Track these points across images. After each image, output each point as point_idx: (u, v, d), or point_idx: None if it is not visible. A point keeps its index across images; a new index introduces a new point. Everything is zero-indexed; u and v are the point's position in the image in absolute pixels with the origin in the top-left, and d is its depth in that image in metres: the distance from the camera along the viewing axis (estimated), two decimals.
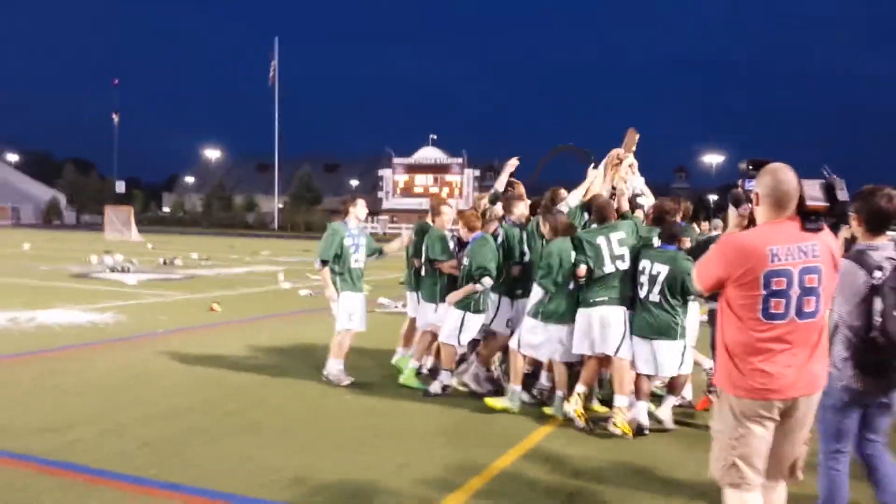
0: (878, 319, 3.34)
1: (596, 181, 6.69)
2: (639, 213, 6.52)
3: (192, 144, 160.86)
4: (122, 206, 50.35)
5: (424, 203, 69.70)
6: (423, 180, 73.01)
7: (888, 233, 3.61)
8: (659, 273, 5.72)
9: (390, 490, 4.54)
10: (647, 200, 6.90)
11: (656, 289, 5.72)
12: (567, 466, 5.12)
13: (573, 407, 5.97)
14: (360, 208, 7.47)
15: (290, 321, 11.59)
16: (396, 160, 73.90)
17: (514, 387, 6.36)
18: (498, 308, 6.89)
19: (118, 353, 8.58)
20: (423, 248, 7.24)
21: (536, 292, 6.21)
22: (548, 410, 6.27)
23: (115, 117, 79.79)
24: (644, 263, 5.84)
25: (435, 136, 75.98)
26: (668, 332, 5.76)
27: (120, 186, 65.17)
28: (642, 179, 7.09)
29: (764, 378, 3.08)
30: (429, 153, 74.67)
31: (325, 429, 5.82)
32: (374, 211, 73.48)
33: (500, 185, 7.26)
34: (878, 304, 3.34)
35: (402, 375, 7.26)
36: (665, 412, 6.02)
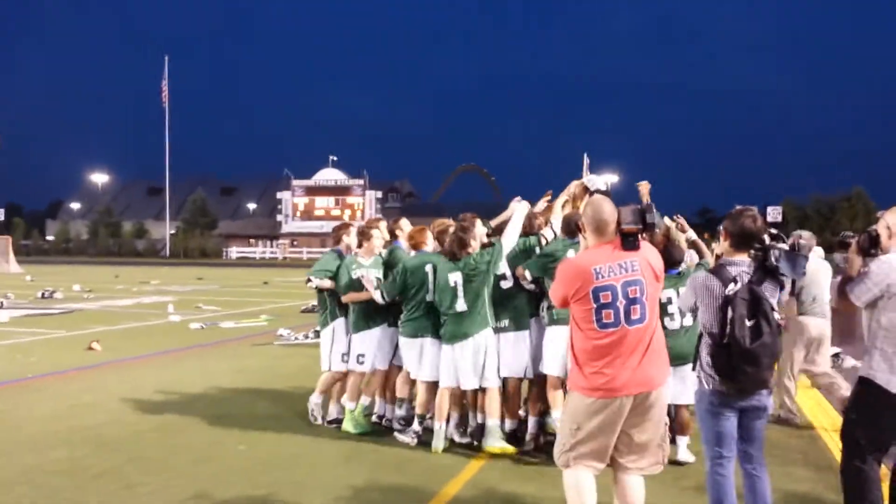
0: (729, 327, 3.60)
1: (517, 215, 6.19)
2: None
3: (77, 168, 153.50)
4: None
5: (326, 226, 68.83)
6: (323, 202, 71.65)
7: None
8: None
9: None
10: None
11: (689, 314, 5.34)
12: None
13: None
14: (352, 237, 6.89)
15: (180, 359, 10.67)
16: (296, 182, 72.32)
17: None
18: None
19: None
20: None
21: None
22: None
23: None
24: (670, 293, 5.45)
25: (335, 158, 75.01)
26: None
27: None
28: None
29: (603, 379, 3.60)
30: (329, 174, 73.47)
31: (211, 486, 5.09)
32: (274, 235, 71.82)
33: (495, 221, 6.48)
34: (730, 312, 3.60)
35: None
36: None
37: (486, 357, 5.77)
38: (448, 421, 6.00)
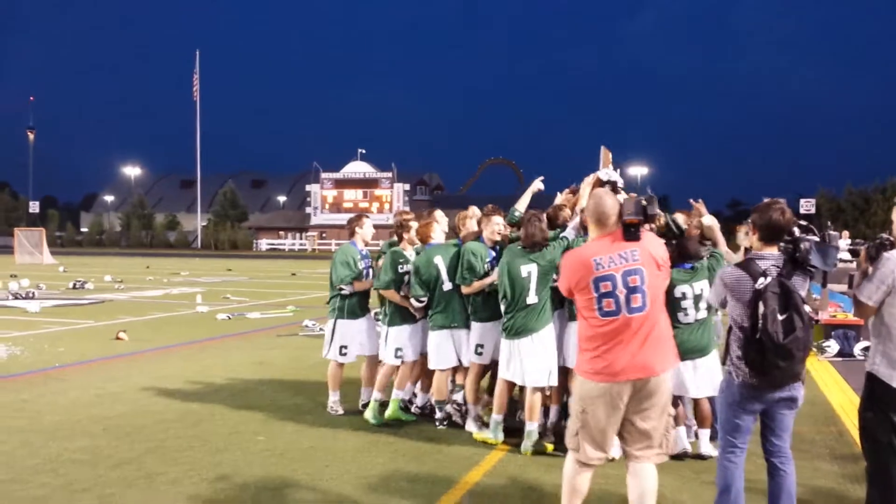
0: (761, 322, 3.56)
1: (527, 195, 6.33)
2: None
3: (111, 162, 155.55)
4: (33, 227, 47.90)
5: None
6: (352, 195, 71.77)
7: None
8: (702, 290, 5.29)
9: None
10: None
11: (702, 305, 5.30)
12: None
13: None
14: (367, 228, 6.88)
15: (205, 349, 10.74)
16: (324, 175, 72.54)
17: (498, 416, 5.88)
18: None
19: (1, 391, 7.64)
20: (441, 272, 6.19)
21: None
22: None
23: (31, 135, 76.36)
24: (684, 289, 5.32)
25: (364, 151, 75.14)
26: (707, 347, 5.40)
27: (34, 206, 62.15)
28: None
29: (603, 363, 3.69)
30: (357, 167, 73.62)
31: (229, 477, 5.09)
32: (303, 227, 72.20)
33: (521, 205, 6.36)
34: (761, 307, 3.57)
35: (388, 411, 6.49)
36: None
37: (548, 354, 5.62)
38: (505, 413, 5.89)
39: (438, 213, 6.66)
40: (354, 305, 6.70)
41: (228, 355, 10.08)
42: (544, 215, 5.85)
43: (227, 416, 6.69)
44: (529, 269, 5.57)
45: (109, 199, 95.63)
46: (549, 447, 5.62)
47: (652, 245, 3.82)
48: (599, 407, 3.73)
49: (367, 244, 6.91)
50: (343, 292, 6.63)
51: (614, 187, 6.08)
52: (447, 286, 6.13)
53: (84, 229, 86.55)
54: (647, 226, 3.88)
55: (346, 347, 6.68)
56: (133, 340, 11.15)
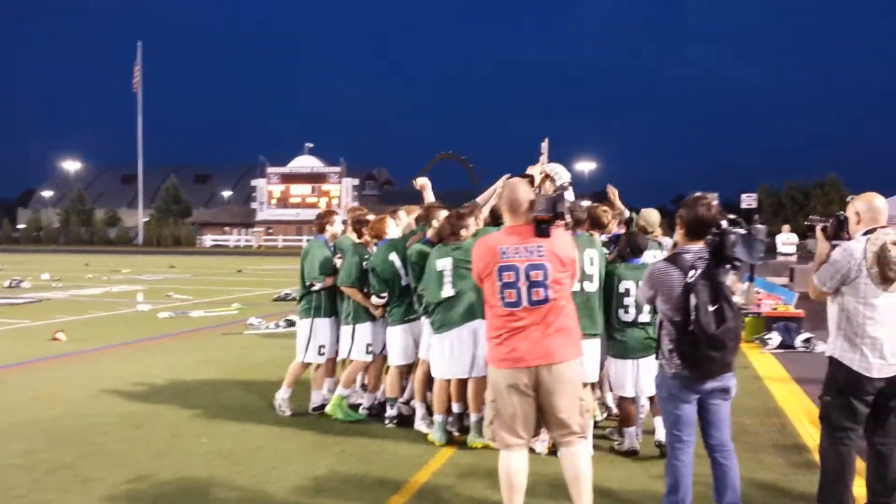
0: (693, 314, 3.60)
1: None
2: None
3: (50, 156, 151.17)
4: None
5: (302, 213, 68.26)
6: (299, 190, 70.87)
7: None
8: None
9: None
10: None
11: (646, 308, 5.26)
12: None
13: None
14: (337, 225, 6.75)
15: (146, 349, 10.45)
16: (271, 169, 71.47)
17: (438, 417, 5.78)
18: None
19: None
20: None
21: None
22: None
23: None
24: (628, 284, 5.31)
25: (311, 145, 74.24)
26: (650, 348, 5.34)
27: None
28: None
29: (506, 349, 3.82)
30: (305, 162, 72.72)
31: (170, 481, 4.95)
32: (248, 223, 71.11)
33: (480, 198, 6.25)
34: (692, 299, 3.61)
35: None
36: None
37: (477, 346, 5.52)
38: (449, 412, 5.79)
39: (402, 213, 6.61)
40: (328, 303, 6.56)
41: (170, 355, 9.83)
42: (473, 210, 5.83)
43: (170, 418, 6.51)
44: (444, 263, 5.59)
45: (48, 194, 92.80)
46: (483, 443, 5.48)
47: (560, 244, 3.90)
48: (507, 394, 3.84)
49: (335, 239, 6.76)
50: (314, 289, 6.48)
51: (548, 179, 6.15)
52: (405, 280, 6.08)
53: (21, 226, 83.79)
54: (559, 223, 3.94)
55: (323, 347, 6.54)
56: (71, 340, 10.80)
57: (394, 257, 6.09)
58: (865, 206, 3.99)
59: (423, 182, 6.52)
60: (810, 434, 5.86)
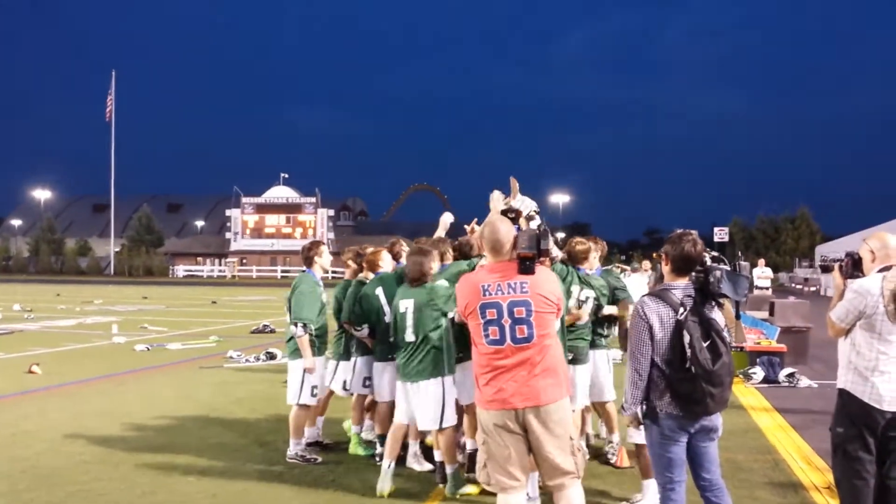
0: (689, 351, 3.56)
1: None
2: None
3: (19, 184, 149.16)
4: None
5: (277, 244, 67.97)
6: (274, 220, 70.56)
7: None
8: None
9: None
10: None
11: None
12: None
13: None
14: (325, 257, 6.42)
15: (124, 383, 10.23)
16: (246, 199, 71.19)
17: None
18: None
19: None
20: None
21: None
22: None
23: None
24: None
25: (286, 175, 74.12)
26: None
27: None
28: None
29: (493, 390, 3.73)
30: (280, 192, 72.54)
31: None
32: (222, 253, 70.53)
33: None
34: (686, 337, 3.58)
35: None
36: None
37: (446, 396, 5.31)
38: (397, 459, 5.53)
39: (402, 245, 6.50)
40: (319, 341, 6.27)
41: (150, 389, 9.64)
42: (444, 247, 5.82)
43: (153, 456, 6.34)
44: (407, 305, 5.40)
45: (17, 223, 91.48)
46: (475, 490, 5.29)
47: (543, 281, 3.82)
48: (497, 434, 3.76)
49: (325, 272, 6.56)
50: (305, 332, 6.06)
51: (518, 215, 6.11)
52: (388, 318, 5.92)
53: None
54: (543, 260, 3.92)
55: (316, 388, 6.22)
56: (47, 374, 10.56)
57: (379, 292, 5.98)
58: (879, 244, 4.10)
59: (446, 219, 6.39)
60: (804, 471, 5.85)
